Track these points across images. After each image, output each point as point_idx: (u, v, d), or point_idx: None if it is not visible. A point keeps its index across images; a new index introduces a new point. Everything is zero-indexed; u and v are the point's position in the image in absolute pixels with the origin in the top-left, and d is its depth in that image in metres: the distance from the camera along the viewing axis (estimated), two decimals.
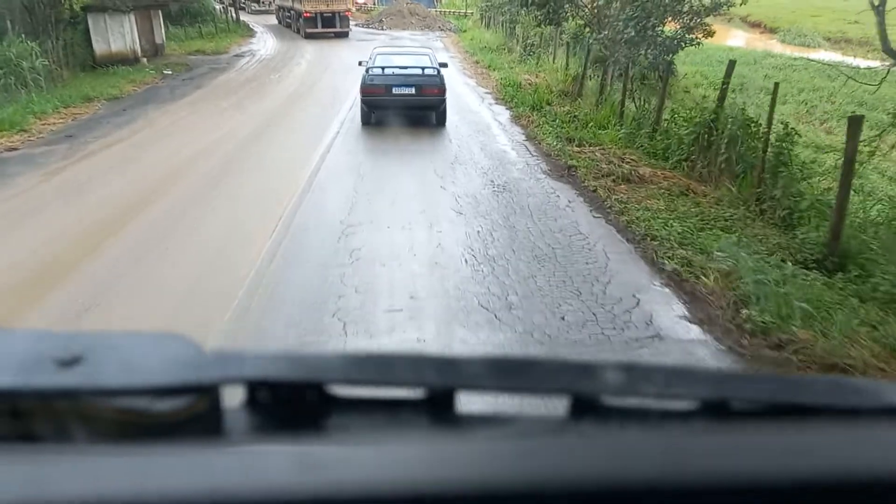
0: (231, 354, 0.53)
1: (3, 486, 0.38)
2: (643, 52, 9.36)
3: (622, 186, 7.26)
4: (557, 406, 0.54)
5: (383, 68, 10.07)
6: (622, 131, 9.18)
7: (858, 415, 0.53)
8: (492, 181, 7.71)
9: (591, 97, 12.41)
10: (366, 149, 9.38)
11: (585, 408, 0.53)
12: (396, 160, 8.67)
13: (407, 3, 35.51)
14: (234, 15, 32.20)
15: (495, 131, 10.67)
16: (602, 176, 7.62)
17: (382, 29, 32.46)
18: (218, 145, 9.41)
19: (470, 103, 13.37)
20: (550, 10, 11.40)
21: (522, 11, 18.40)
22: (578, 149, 8.85)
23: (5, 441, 0.47)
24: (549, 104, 12.25)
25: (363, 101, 10.16)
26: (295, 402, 0.52)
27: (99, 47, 19.75)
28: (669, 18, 9.45)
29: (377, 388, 0.52)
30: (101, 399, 0.49)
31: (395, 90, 9.88)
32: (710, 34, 9.54)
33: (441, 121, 10.46)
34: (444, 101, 10.24)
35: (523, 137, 10.12)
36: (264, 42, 26.96)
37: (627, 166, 7.79)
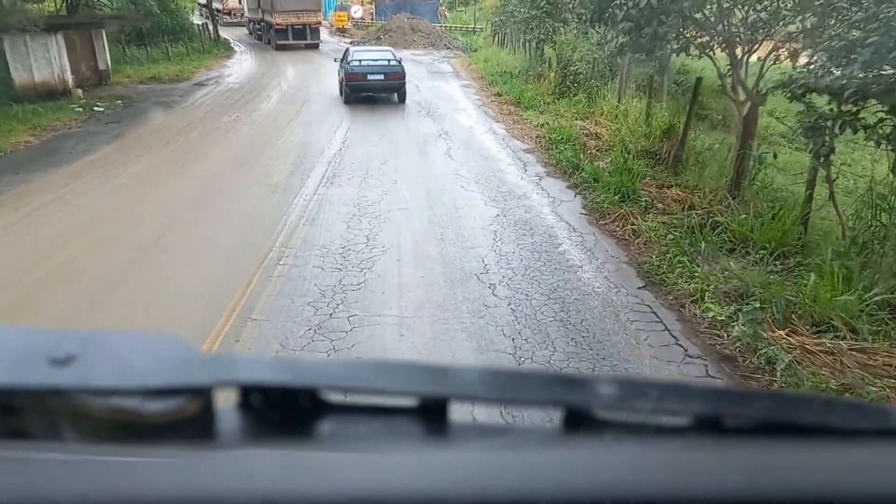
0: (225, 357, 0.60)
1: None
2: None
3: None
4: (550, 418, 0.52)
5: (360, 61, 14.06)
6: (875, 295, 4.24)
7: (854, 435, 0.51)
8: None
9: (708, 170, 7.61)
10: (317, 302, 4.53)
11: (579, 421, 0.51)
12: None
13: (408, 19, 31.47)
14: (211, 31, 27.90)
15: (572, 256, 5.69)
16: None
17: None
18: (30, 309, 4.60)
19: (507, 174, 8.48)
20: (651, 33, 6.61)
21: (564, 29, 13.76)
22: (795, 339, 4.00)
23: None
24: (641, 178, 7.45)
25: (346, 85, 14.01)
26: (287, 407, 0.51)
27: (19, 77, 15.55)
28: None
29: (370, 396, 0.52)
30: (94, 398, 0.48)
31: (369, 77, 13.77)
32: None
33: (402, 99, 14.21)
34: (404, 83, 14.06)
35: (637, 279, 5.17)
36: (240, 66, 22.64)
37: None
